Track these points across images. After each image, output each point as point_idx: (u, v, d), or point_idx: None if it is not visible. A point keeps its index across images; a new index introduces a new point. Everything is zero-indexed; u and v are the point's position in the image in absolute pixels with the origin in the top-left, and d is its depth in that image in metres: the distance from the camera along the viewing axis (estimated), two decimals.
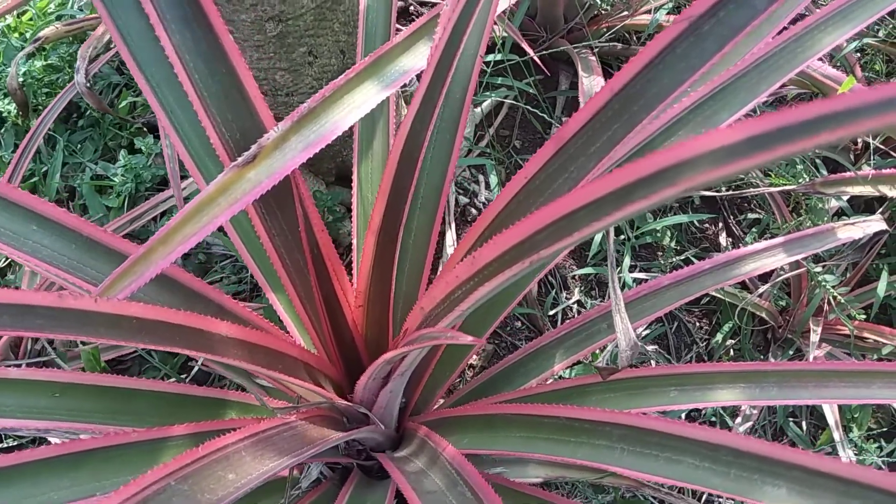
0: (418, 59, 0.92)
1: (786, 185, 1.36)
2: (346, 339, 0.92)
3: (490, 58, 1.41)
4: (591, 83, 1.34)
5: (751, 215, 1.67)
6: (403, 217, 0.76)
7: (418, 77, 0.87)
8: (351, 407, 0.85)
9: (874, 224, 1.15)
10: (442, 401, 1.29)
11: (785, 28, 0.86)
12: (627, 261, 1.52)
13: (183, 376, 1.36)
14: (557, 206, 0.49)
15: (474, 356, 1.49)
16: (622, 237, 1.57)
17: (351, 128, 0.82)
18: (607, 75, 1.74)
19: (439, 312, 0.69)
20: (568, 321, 1.19)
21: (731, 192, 1.49)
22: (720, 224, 1.73)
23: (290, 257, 0.85)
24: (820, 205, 1.37)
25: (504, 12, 1.61)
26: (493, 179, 1.58)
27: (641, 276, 1.54)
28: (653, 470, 0.78)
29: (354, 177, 1.07)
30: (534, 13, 1.76)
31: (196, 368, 1.35)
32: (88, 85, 1.38)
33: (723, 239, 1.70)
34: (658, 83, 0.68)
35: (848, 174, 1.32)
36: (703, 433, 0.76)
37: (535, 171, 0.77)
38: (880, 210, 1.59)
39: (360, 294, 0.85)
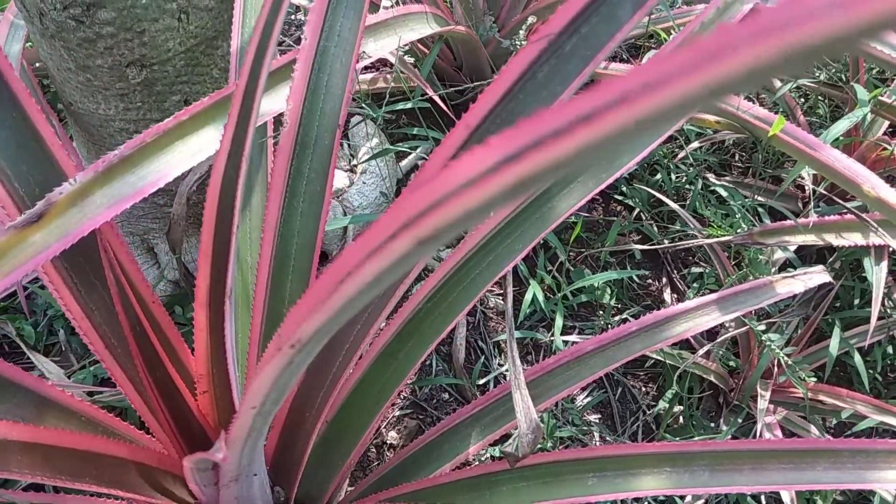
0: (278, 100, 0.80)
1: (722, 235, 1.25)
2: (195, 431, 0.77)
3: (400, 106, 1.30)
4: None
5: (695, 269, 1.56)
6: (225, 286, 0.63)
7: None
8: None
9: (816, 276, 1.04)
10: (349, 488, 1.13)
11: None
12: (560, 322, 1.39)
13: None
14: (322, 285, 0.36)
15: (393, 433, 1.34)
16: (559, 295, 1.45)
17: None
18: None
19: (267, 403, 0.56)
20: (484, 396, 1.05)
21: (671, 245, 1.38)
22: (664, 279, 1.62)
23: (118, 338, 0.71)
24: (762, 257, 1.26)
25: (415, 63, 1.52)
26: None
27: (575, 338, 1.41)
28: None
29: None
30: (460, 64, 1.67)
31: None
32: None
33: (667, 295, 1.59)
34: (521, 115, 0.56)
35: (788, 223, 1.22)
36: None
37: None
38: (831, 260, 1.48)
39: (201, 378, 0.71)
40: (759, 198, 1.62)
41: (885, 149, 1.45)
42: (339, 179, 1.42)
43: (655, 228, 1.61)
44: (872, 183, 1.07)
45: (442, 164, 0.60)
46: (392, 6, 1.33)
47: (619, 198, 1.64)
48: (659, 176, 1.56)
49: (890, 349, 1.54)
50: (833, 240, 1.22)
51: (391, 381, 0.92)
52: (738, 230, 1.25)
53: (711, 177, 1.67)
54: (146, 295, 0.70)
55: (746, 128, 1.16)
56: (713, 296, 1.04)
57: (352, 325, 0.74)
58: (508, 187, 0.23)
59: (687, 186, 1.63)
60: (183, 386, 0.72)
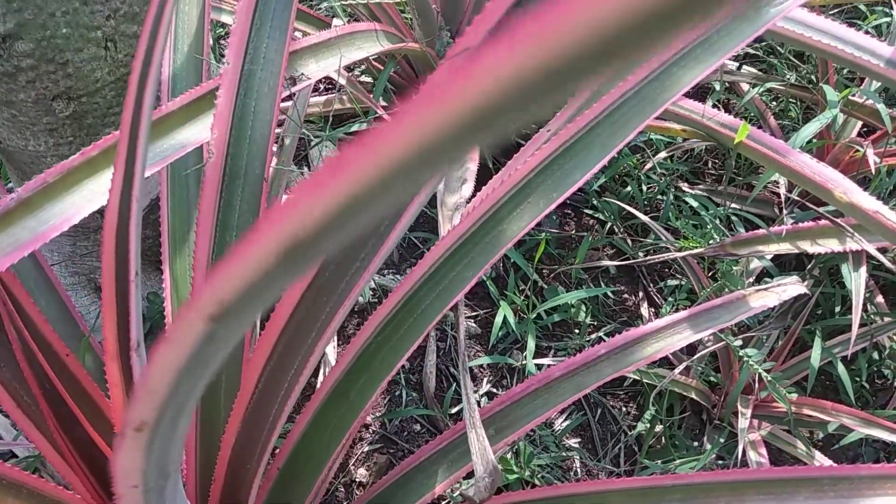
0: (203, 129, 0.75)
1: (695, 247, 1.20)
2: None
3: (356, 127, 1.26)
4: None
5: (671, 282, 1.51)
6: (130, 338, 0.57)
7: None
8: None
9: (791, 288, 0.99)
10: None
11: None
12: (532, 344, 1.34)
13: None
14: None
15: (363, 470, 1.28)
16: (530, 316, 1.39)
17: None
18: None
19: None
20: (449, 430, 0.99)
21: (644, 260, 1.33)
22: (640, 293, 1.57)
23: (31, 396, 0.65)
24: (735, 267, 1.21)
25: (373, 82, 1.47)
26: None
27: (549, 361, 1.36)
28: None
29: (166, 275, 0.88)
30: (421, 79, 1.63)
31: None
32: None
33: (644, 309, 1.54)
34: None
35: (761, 232, 1.17)
36: None
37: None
38: (810, 266, 1.44)
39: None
40: (735, 205, 1.58)
41: (857, 150, 1.41)
42: None
43: (630, 242, 1.56)
44: (845, 187, 1.03)
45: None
46: (345, 23, 1.28)
47: (590, 212, 1.60)
48: (630, 188, 1.52)
49: (876, 355, 1.50)
50: (808, 247, 1.18)
51: (343, 421, 0.86)
52: (711, 241, 1.21)
53: (685, 186, 1.63)
54: (58, 348, 0.64)
55: (712, 136, 1.12)
56: (684, 313, 0.99)
57: (286, 371, 0.68)
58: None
59: (660, 197, 1.58)
60: (102, 442, 0.66)
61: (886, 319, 1.38)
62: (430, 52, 1.39)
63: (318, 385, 0.88)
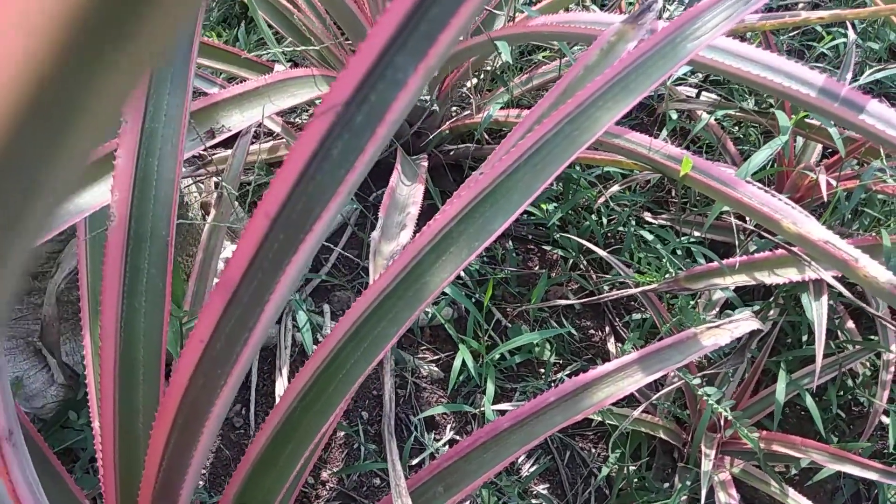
0: (104, 191, 0.72)
1: (651, 282, 1.17)
2: None
3: None
4: (409, 192, 1.15)
5: (636, 315, 1.48)
6: None
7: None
8: None
9: (744, 324, 0.95)
10: None
11: None
12: (492, 389, 1.29)
13: None
14: None
15: None
16: (487, 358, 1.35)
17: None
18: (458, 180, 1.58)
19: None
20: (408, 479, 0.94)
21: (600, 297, 1.30)
22: (606, 328, 1.53)
23: None
24: (698, 300, 1.18)
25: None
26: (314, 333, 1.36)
27: (507, 406, 1.31)
28: None
29: (86, 342, 0.84)
30: None
31: None
32: None
33: (612, 345, 1.50)
34: (318, 199, 0.48)
35: (714, 265, 1.14)
36: None
37: (210, 334, 0.55)
38: (774, 295, 1.41)
39: None
40: (697, 233, 1.56)
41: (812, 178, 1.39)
42: None
43: (594, 276, 1.53)
44: (794, 218, 0.99)
45: (245, 259, 0.51)
46: (287, 69, 1.26)
47: (549, 248, 1.57)
48: (589, 222, 1.49)
49: (850, 381, 1.46)
50: (766, 278, 1.15)
51: (273, 488, 0.81)
52: (667, 275, 1.17)
53: (648, 215, 1.60)
54: None
55: (659, 169, 1.09)
56: (634, 355, 0.95)
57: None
58: None
59: (621, 228, 1.56)
60: None
61: (858, 346, 1.35)
62: None
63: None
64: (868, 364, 1.43)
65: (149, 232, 0.71)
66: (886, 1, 1.59)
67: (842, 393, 1.43)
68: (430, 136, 1.54)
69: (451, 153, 1.68)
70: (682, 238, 1.48)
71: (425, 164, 1.32)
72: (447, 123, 1.51)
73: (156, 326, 0.73)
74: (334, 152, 0.47)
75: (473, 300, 1.46)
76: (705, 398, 1.03)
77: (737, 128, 1.81)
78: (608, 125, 0.68)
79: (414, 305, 0.73)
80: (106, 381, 0.74)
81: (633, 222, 1.53)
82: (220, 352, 0.56)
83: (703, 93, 1.70)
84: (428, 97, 1.35)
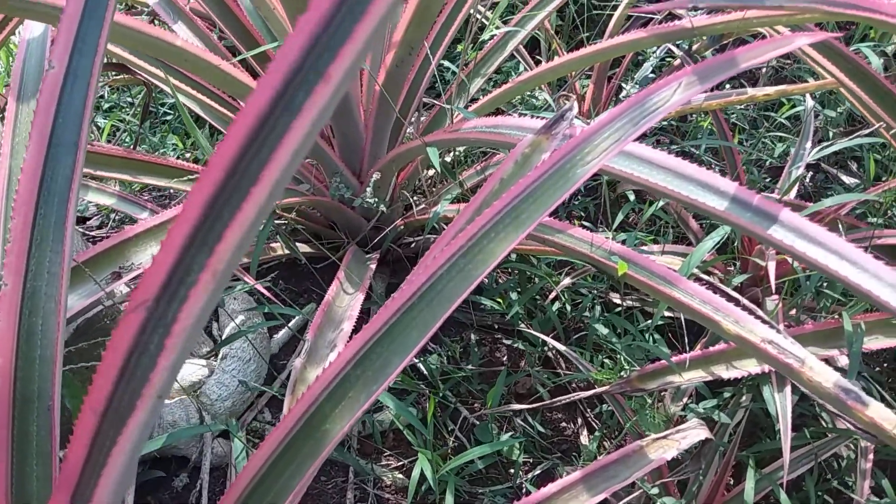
0: None
1: (605, 382, 1.12)
2: None
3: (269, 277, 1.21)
4: (349, 303, 1.12)
5: (605, 407, 1.42)
6: None
7: None
8: None
9: (692, 433, 0.90)
10: None
11: None
12: (451, 501, 1.23)
13: None
14: None
15: None
16: (445, 468, 1.30)
17: None
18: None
19: None
20: None
21: (557, 399, 1.25)
22: (579, 420, 1.47)
23: None
24: (648, 401, 1.13)
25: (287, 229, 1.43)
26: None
27: None
28: None
29: None
30: (338, 219, 1.60)
31: None
32: None
33: (584, 438, 1.44)
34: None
35: (664, 363, 1.10)
36: None
37: None
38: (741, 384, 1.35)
39: None
40: (668, 313, 1.51)
41: (779, 253, 1.35)
42: (196, 371, 1.30)
43: (563, 365, 1.49)
44: (736, 316, 0.95)
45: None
46: None
47: (511, 340, 1.53)
48: (549, 313, 1.45)
49: (836, 464, 1.39)
50: (724, 372, 1.10)
51: None
52: (622, 372, 1.13)
53: (616, 297, 1.56)
54: None
55: (600, 268, 1.06)
56: (578, 474, 0.90)
57: None
58: None
59: (586, 314, 1.52)
60: None
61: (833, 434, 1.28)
62: (324, 199, 1.36)
63: None
64: (852, 446, 1.36)
65: (36, 393, 0.69)
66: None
67: (829, 477, 1.36)
68: (386, 230, 1.53)
69: (412, 245, 1.66)
70: (648, 322, 1.43)
71: (374, 266, 1.30)
72: (400, 220, 1.49)
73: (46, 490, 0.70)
74: (150, 346, 0.44)
75: (439, 397, 1.42)
76: None
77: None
78: (504, 254, 0.65)
79: (316, 454, 0.70)
80: None
81: (599, 308, 1.49)
82: None
83: None
84: (374, 199, 1.34)
